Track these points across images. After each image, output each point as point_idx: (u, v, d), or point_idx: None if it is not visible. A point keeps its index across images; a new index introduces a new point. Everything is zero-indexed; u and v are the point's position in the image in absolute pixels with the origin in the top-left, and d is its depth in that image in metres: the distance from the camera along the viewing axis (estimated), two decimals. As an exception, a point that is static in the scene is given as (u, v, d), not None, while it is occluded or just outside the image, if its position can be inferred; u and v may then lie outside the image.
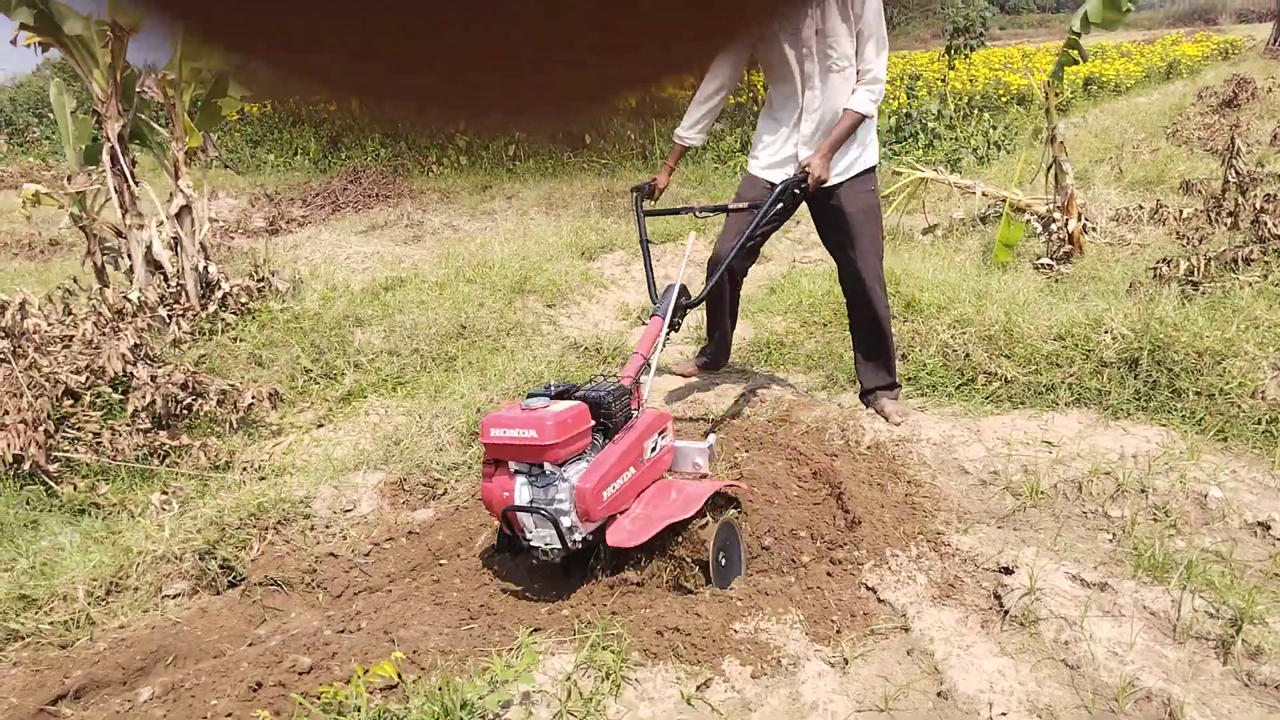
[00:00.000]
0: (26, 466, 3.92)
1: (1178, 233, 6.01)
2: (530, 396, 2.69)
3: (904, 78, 13.37)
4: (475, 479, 3.67)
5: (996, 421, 3.88)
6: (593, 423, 2.71)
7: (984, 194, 6.99)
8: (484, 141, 13.48)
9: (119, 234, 5.73)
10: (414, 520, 3.38)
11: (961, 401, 4.18)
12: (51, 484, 3.94)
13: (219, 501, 3.37)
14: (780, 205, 3.55)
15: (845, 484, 3.38)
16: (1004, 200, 6.54)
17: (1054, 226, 6.15)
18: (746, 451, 3.75)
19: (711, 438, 3.15)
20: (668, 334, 3.21)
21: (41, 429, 4.06)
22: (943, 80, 13.44)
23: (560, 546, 2.61)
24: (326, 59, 0.41)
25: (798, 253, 7.55)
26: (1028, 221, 6.47)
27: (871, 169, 3.85)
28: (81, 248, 5.94)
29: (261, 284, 6.06)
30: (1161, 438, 3.58)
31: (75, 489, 3.94)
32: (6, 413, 4.08)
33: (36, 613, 2.80)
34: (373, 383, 4.97)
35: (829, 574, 2.91)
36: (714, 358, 4.54)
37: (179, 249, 5.69)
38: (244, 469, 4.13)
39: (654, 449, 2.89)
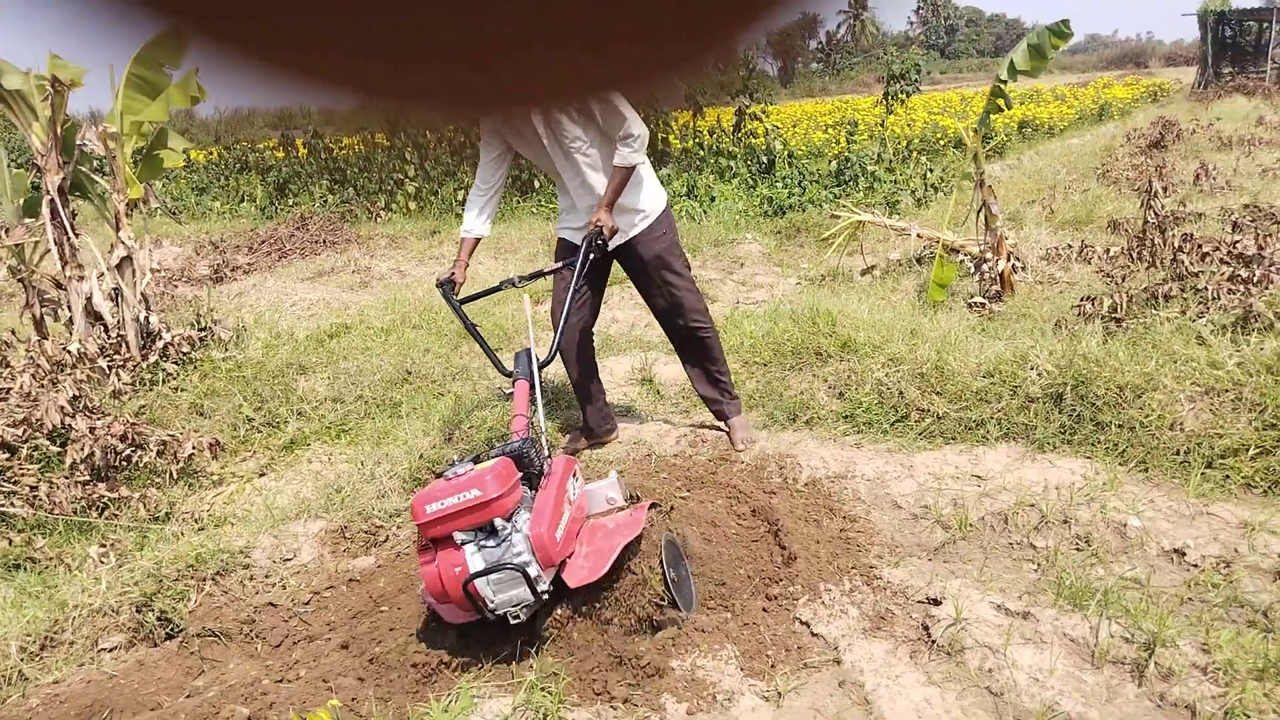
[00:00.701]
0: (-41, 522, 3.86)
1: (1102, 270, 6.24)
2: (444, 472, 2.68)
3: (844, 123, 13.72)
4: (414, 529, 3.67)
5: (929, 457, 3.99)
6: (520, 474, 2.72)
7: (919, 235, 7.19)
8: (431, 187, 13.54)
9: (58, 285, 5.68)
10: (355, 568, 3.39)
11: (896, 438, 4.29)
12: (-15, 539, 3.87)
13: (157, 554, 3.35)
14: (591, 256, 3.62)
15: (782, 521, 3.45)
16: (938, 241, 6.74)
17: (985, 267, 6.35)
18: (688, 490, 3.81)
19: (613, 472, 3.24)
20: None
21: (-25, 484, 4.00)
22: (881, 124, 13.81)
23: (531, 599, 2.58)
24: (318, 57, 0.40)
25: (740, 294, 7.69)
26: (961, 262, 6.67)
27: (659, 214, 4.04)
28: (20, 300, 5.88)
29: (204, 333, 6.04)
30: (1085, 469, 3.70)
31: (10, 543, 3.88)
32: (-62, 468, 4.02)
33: (-32, 672, 2.76)
34: (316, 430, 4.96)
35: (764, 609, 2.97)
36: (596, 425, 4.51)
37: (120, 300, 5.66)
38: (183, 520, 4.10)
39: (572, 491, 2.90)
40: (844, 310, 5.52)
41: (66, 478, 4.31)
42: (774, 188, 11.86)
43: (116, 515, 4.16)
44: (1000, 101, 6.18)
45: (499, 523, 2.57)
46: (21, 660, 2.83)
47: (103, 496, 4.27)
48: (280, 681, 2.74)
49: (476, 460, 2.73)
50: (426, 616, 3.00)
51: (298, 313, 7.47)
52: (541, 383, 3.34)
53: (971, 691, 2.56)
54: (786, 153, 13.31)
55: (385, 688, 2.64)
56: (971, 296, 6.39)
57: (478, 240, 4.04)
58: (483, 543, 2.59)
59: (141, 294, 5.68)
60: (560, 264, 3.82)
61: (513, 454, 2.76)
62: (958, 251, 6.70)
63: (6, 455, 4.34)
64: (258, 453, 4.86)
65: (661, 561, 2.76)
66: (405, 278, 9.04)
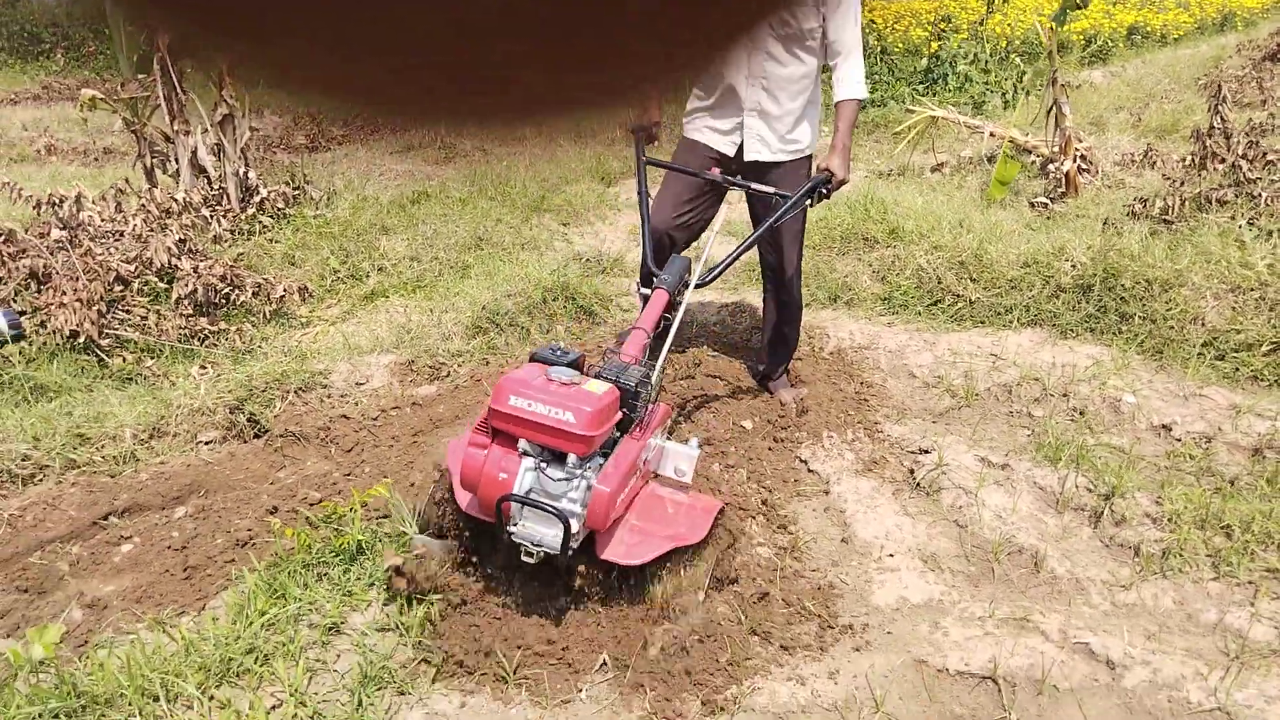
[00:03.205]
0: (81, 340, 4.42)
1: (1165, 176, 6.23)
2: (538, 360, 2.37)
3: (939, 20, 13.38)
4: (476, 364, 4.10)
5: (954, 337, 4.23)
6: (619, 413, 2.35)
7: (992, 134, 7.21)
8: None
9: (167, 139, 6.18)
10: (418, 394, 3.83)
11: (927, 319, 4.53)
12: (103, 356, 4.44)
13: (249, 369, 3.84)
14: (809, 202, 3.15)
15: (802, 380, 3.77)
16: (1010, 141, 6.77)
17: (1051, 167, 6.39)
18: (719, 352, 4.14)
19: (694, 441, 2.69)
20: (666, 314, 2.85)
21: (95, 309, 4.55)
22: (980, 23, 13.43)
23: (556, 551, 2.22)
24: (318, 61, 0.41)
25: (809, 185, 7.84)
26: (1032, 162, 6.71)
27: (806, 157, 3.46)
28: (133, 153, 6.41)
29: (297, 192, 6.51)
30: (1101, 355, 3.91)
31: (124, 361, 4.44)
32: (64, 293, 4.57)
33: (90, 448, 3.30)
34: (394, 284, 5.41)
35: (769, 449, 3.32)
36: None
37: (222, 155, 6.14)
38: (273, 353, 4.60)
39: (651, 449, 2.51)
40: (898, 200, 5.68)
41: (172, 310, 4.85)
42: (861, 84, 11.76)
43: (215, 345, 4.68)
44: (1079, -1, 6.11)
45: (572, 459, 2.26)
46: (134, 444, 3.36)
47: (203, 329, 4.81)
48: (348, 475, 3.22)
49: (577, 365, 2.40)
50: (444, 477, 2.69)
51: (384, 182, 7.90)
52: (676, 307, 2.85)
53: (940, 524, 2.88)
54: (880, 48, 13.08)
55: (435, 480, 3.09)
56: (1035, 196, 6.45)
57: None
58: (544, 467, 2.28)
59: (241, 150, 6.15)
60: (772, 191, 3.13)
61: (625, 388, 2.36)
62: (1029, 152, 6.73)
63: (121, 287, 4.88)
64: (341, 301, 5.33)
65: (706, 580, 2.41)
66: (488, 155, 9.38)
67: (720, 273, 2.98)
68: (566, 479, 2.26)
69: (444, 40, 0.38)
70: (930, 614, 2.51)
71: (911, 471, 3.14)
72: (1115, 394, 3.50)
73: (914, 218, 5.38)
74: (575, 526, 2.21)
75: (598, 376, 2.37)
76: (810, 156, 3.48)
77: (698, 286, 2.93)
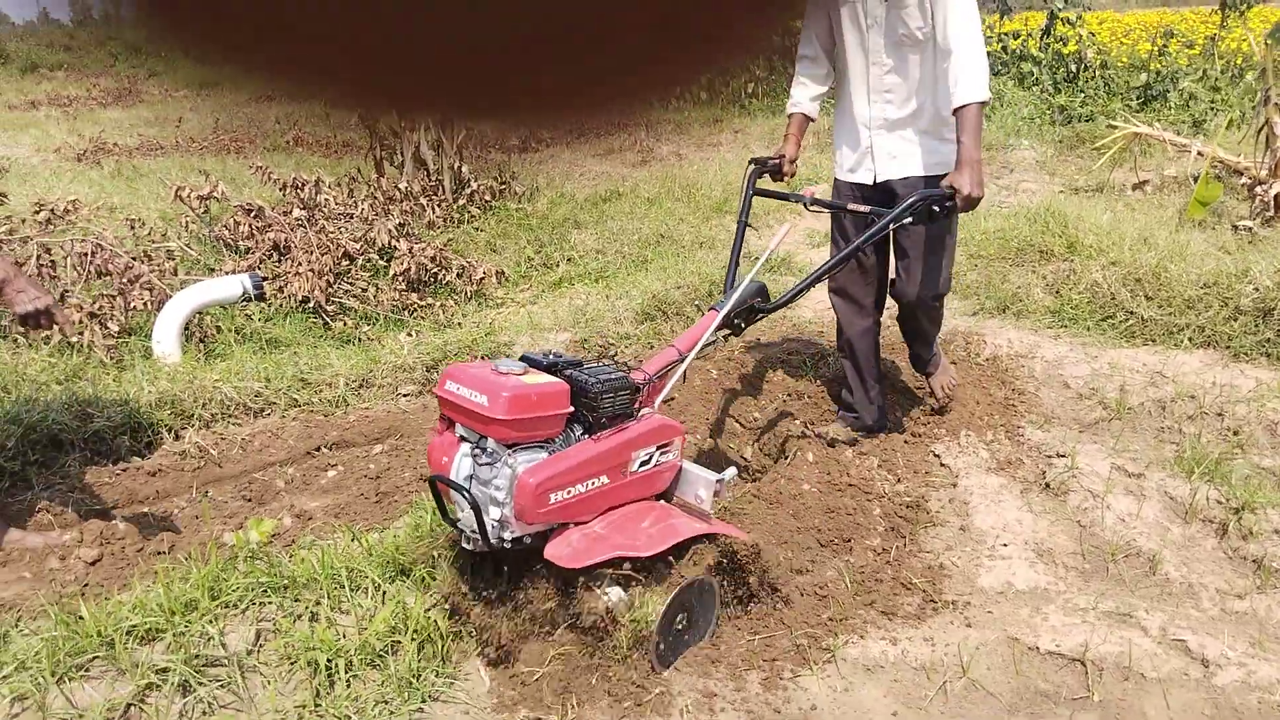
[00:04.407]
0: (311, 305, 5.12)
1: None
2: (508, 359, 2.32)
3: (1161, 33, 12.69)
4: (641, 349, 4.46)
5: (1118, 352, 4.20)
6: (570, 410, 2.26)
7: (1199, 153, 6.90)
8: (724, 79, 14.13)
9: (395, 135, 6.94)
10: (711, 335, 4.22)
11: (1096, 334, 4.49)
12: (328, 320, 5.12)
13: (445, 336, 4.36)
14: (909, 220, 2.77)
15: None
16: (1218, 161, 6.48)
17: (1259, 189, 6.08)
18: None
19: (730, 471, 2.56)
20: (725, 335, 2.82)
21: (325, 279, 5.25)
22: (1211, 39, 12.64)
23: (480, 540, 2.21)
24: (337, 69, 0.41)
25: (999, 198, 7.75)
26: (1243, 184, 6.39)
27: None
28: (366, 146, 7.23)
29: (503, 186, 7.13)
30: (1271, 379, 3.80)
31: (345, 325, 5.11)
32: (300, 264, 5.30)
33: (310, 391, 3.88)
34: (580, 274, 5.87)
35: (906, 442, 3.48)
36: (860, 415, 3.56)
37: (441, 151, 6.83)
38: (470, 326, 5.15)
39: (647, 462, 2.37)
40: (1081, 215, 5.60)
41: (389, 284, 5.50)
42: (1073, 97, 11.37)
43: (422, 318, 5.28)
44: (1304, 12, 5.79)
45: (492, 444, 2.22)
46: (346, 391, 3.92)
47: (413, 303, 5.43)
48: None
49: (555, 368, 2.34)
50: None
51: (583, 181, 8.45)
52: (739, 331, 2.82)
53: (1062, 522, 2.97)
54: (1100, 62, 12.57)
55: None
56: (1240, 219, 6.15)
57: (807, 118, 3.30)
58: (477, 453, 2.27)
59: (458, 147, 6.82)
60: (868, 209, 2.93)
61: (579, 384, 2.28)
62: (1240, 173, 6.42)
63: (348, 262, 5.58)
64: (533, 286, 5.85)
65: (662, 610, 2.23)
66: (681, 160, 9.79)
67: (790, 299, 2.81)
68: (490, 465, 2.22)
69: (461, 46, 0.39)
70: (1034, 600, 2.63)
71: (1043, 473, 3.23)
72: (1275, 416, 3.42)
73: (1095, 233, 5.30)
74: (495, 515, 2.18)
75: (551, 369, 2.32)
76: None
77: (767, 312, 2.78)
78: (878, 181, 3.17)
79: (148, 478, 3.30)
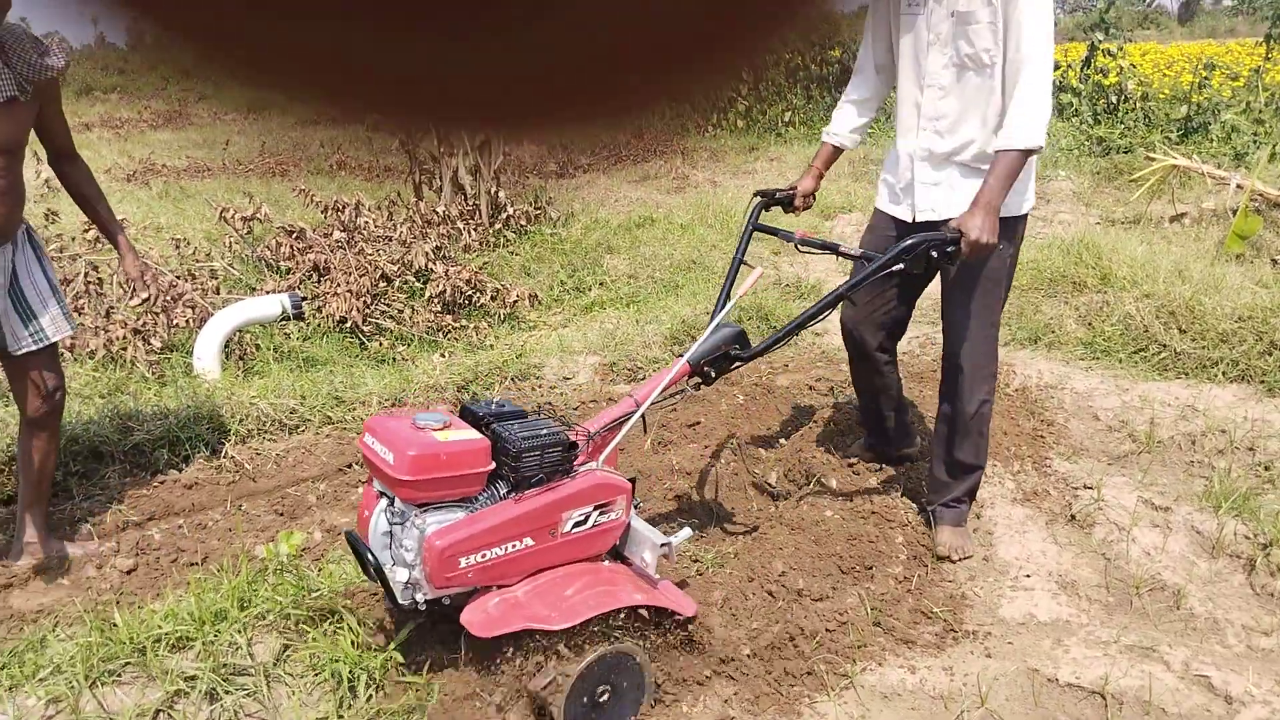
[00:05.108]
0: (348, 325, 5.22)
1: None
2: (431, 412, 2.22)
3: (1202, 66, 12.59)
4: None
5: (1149, 385, 4.17)
6: (490, 467, 2.14)
7: (1239, 186, 6.84)
8: (761, 107, 14.22)
9: (435, 160, 7.07)
10: (616, 391, 4.27)
11: (1128, 367, 4.47)
12: (364, 340, 5.21)
13: (477, 358, 4.43)
14: (899, 266, 2.50)
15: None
16: (1257, 194, 6.42)
17: (1300, 222, 6.01)
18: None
19: (682, 533, 2.42)
20: (696, 385, 2.61)
21: (362, 300, 5.35)
22: (1256, 71, 12.52)
23: (389, 600, 2.16)
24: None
25: (1034, 230, 7.72)
26: (1285, 217, 6.33)
27: (1010, 221, 2.72)
28: (406, 171, 7.38)
29: (539, 212, 7.23)
30: (1307, 415, 3.75)
31: (380, 345, 5.20)
32: (339, 285, 5.41)
33: (343, 409, 3.96)
34: (611, 298, 5.93)
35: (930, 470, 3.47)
36: (877, 442, 3.50)
37: (478, 175, 6.95)
38: (502, 348, 5.23)
39: (582, 523, 2.22)
40: (1114, 246, 5.57)
41: (424, 306, 5.60)
42: (1112, 129, 11.31)
43: (455, 340, 5.36)
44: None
45: (399, 505, 2.13)
46: (379, 409, 4.00)
47: (448, 324, 5.52)
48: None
49: (481, 420, 2.25)
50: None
51: (617, 207, 8.54)
52: (709, 381, 2.58)
53: (1087, 555, 2.95)
54: (1140, 93, 12.50)
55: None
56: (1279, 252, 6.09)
57: (838, 150, 3.13)
58: (388, 510, 2.18)
59: (494, 173, 6.93)
60: (859, 252, 2.72)
61: (503, 440, 2.15)
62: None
63: (385, 284, 5.69)
64: (565, 310, 5.92)
65: (567, 686, 2.07)
66: (717, 187, 9.86)
67: (769, 347, 2.57)
68: (401, 525, 2.13)
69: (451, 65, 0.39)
70: (1055, 632, 2.62)
71: (1069, 504, 3.21)
72: (1309, 453, 3.39)
73: (1130, 265, 5.27)
74: (401, 577, 2.08)
75: (478, 423, 2.23)
76: (1013, 221, 2.75)
77: (744, 360, 2.56)
78: (916, 220, 2.89)
79: (184, 490, 3.39)
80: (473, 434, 2.15)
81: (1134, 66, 13.61)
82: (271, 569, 2.66)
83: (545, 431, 2.19)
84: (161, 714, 2.22)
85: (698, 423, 3.90)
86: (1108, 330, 4.78)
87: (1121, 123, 11.67)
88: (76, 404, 3.73)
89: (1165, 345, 4.51)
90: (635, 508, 2.44)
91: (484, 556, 2.07)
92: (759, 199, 3.09)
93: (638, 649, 2.21)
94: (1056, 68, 13.88)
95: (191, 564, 2.93)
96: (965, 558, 2.98)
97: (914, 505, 3.24)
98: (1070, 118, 12.59)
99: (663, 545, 2.32)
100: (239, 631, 2.40)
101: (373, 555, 2.13)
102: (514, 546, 2.11)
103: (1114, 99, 12.66)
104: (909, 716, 2.34)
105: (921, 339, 4.87)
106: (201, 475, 3.49)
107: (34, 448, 2.89)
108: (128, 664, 2.32)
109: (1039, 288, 5.42)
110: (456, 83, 0.41)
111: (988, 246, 2.50)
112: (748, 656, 2.47)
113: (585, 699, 2.12)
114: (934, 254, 2.49)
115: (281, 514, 3.31)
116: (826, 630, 2.60)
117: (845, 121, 3.10)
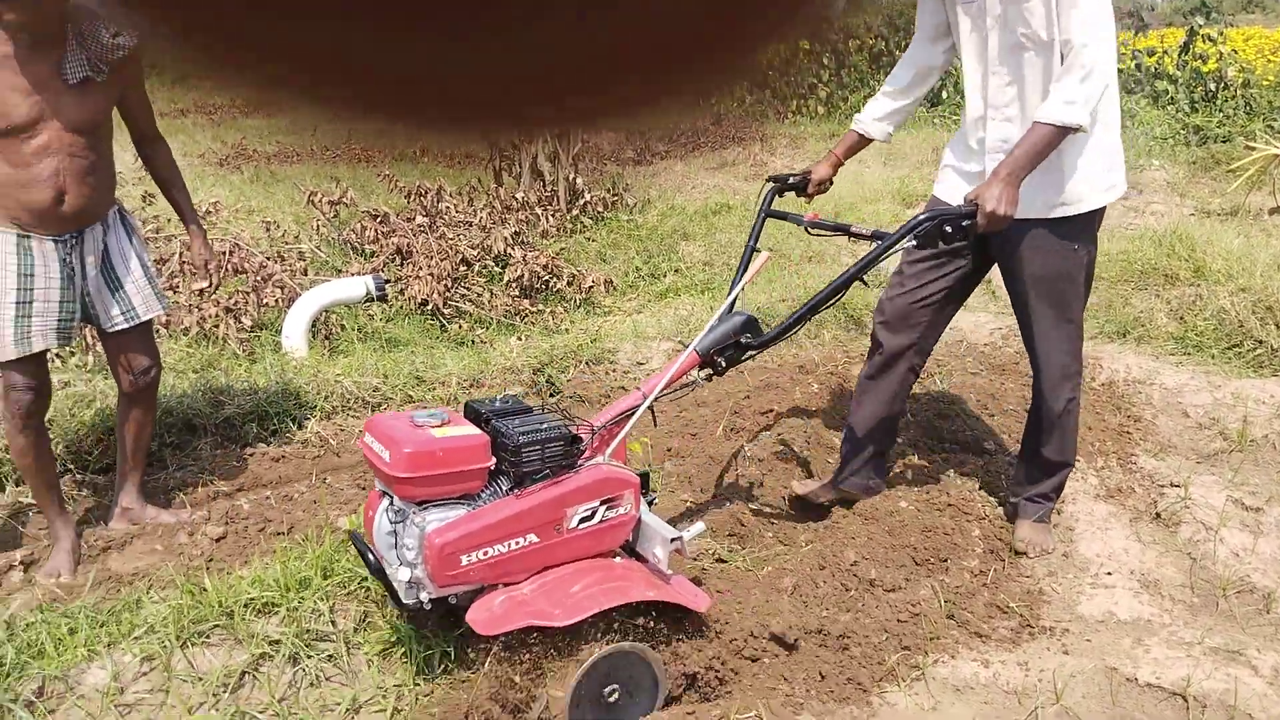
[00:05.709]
0: (429, 307, 5.33)
1: None
2: (431, 410, 2.19)
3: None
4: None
5: (1243, 382, 4.01)
6: (491, 463, 2.12)
7: (1347, 177, 6.53)
8: (844, 94, 14.02)
9: (515, 146, 7.15)
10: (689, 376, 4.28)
11: (1221, 363, 4.31)
12: (444, 322, 5.32)
13: (553, 341, 4.49)
14: (914, 243, 2.39)
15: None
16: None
17: None
18: (982, 368, 4.23)
19: (695, 528, 2.39)
20: (706, 376, 2.52)
21: (443, 283, 5.46)
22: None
23: (393, 602, 2.17)
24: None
25: (1126, 220, 7.48)
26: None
27: (1084, 215, 2.63)
28: (486, 157, 7.48)
29: (616, 198, 7.26)
30: None
31: (460, 328, 5.30)
32: (421, 269, 5.52)
33: (424, 388, 4.06)
34: (686, 285, 5.94)
35: (1009, 463, 3.41)
36: (852, 476, 3.10)
37: (557, 162, 7.01)
38: (577, 333, 5.29)
39: (588, 518, 2.19)
40: (1209, 238, 5.38)
41: (503, 290, 5.68)
42: (1210, 117, 10.87)
43: (532, 324, 5.44)
44: None
45: (398, 503, 2.14)
46: (458, 389, 4.08)
47: (525, 308, 5.60)
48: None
49: (482, 416, 2.22)
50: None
51: (694, 194, 8.53)
52: (721, 371, 2.49)
53: (1172, 554, 2.87)
54: (1242, 80, 11.98)
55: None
56: (1390, 247, 5.79)
57: (863, 139, 3.00)
58: (390, 509, 2.18)
59: (573, 159, 6.99)
60: (869, 231, 2.50)
61: (502, 436, 2.13)
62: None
63: (465, 268, 5.79)
64: (640, 296, 5.95)
65: (571, 684, 2.04)
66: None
67: (781, 334, 2.46)
68: (402, 523, 2.13)
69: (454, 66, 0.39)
70: (1136, 631, 2.55)
71: (1155, 502, 3.12)
72: None
73: (1225, 258, 5.08)
74: (404, 576, 2.05)
75: (480, 420, 2.21)
76: (1087, 215, 2.64)
77: (757, 348, 2.46)
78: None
79: (271, 463, 3.51)
80: (471, 430, 2.15)
81: (1235, 52, 13.05)
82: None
83: (546, 426, 2.17)
84: (247, 675, 2.32)
85: (771, 410, 3.89)
86: (1200, 325, 4.62)
87: (1220, 111, 11.20)
88: (171, 378, 3.88)
89: (1261, 341, 4.34)
90: (649, 503, 2.41)
91: (486, 554, 2.05)
92: (772, 184, 3.04)
93: (645, 647, 2.15)
94: (1151, 54, 13.42)
95: (278, 533, 3.04)
96: (1044, 554, 2.91)
97: (992, 499, 3.18)
98: (1165, 105, 12.15)
99: (674, 540, 2.27)
100: (321, 599, 2.49)
101: (375, 555, 2.16)
102: (517, 543, 2.09)
103: (1212, 86, 12.15)
104: (981, 710, 2.32)
105: (1004, 330, 4.77)
106: (288, 449, 3.61)
107: (131, 419, 3.03)
108: (216, 626, 2.42)
109: (1129, 280, 5.26)
110: (457, 82, 0.41)
111: (1005, 219, 2.38)
112: (818, 644, 2.47)
113: (593, 697, 2.10)
114: (948, 229, 2.36)
115: (363, 488, 3.40)
116: (899, 621, 2.58)
117: (875, 110, 2.97)
